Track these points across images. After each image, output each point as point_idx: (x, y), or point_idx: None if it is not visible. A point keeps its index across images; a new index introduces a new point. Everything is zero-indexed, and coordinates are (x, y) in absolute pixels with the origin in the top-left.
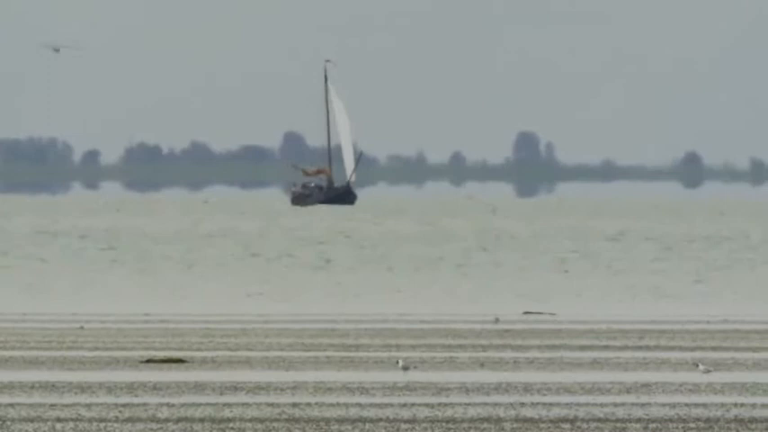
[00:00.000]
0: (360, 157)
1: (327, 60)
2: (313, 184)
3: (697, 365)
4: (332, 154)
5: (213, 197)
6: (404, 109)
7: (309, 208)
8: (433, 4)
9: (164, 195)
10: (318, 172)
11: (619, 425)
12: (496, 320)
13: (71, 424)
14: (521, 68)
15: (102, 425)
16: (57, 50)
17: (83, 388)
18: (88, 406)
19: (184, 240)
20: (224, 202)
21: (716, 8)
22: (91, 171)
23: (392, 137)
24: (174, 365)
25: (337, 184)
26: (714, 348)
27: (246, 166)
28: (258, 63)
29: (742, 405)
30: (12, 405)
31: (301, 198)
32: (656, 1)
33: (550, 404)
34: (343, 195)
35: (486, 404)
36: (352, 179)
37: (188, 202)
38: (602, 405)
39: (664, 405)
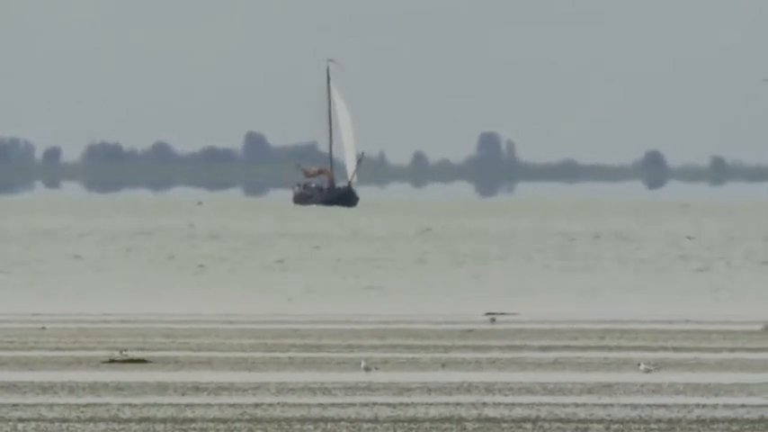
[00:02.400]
0: (361, 158)
1: (330, 60)
2: (314, 185)
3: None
4: (331, 154)
5: (205, 200)
6: (365, 109)
7: (307, 208)
8: (393, 5)
9: (126, 195)
10: (319, 172)
11: (581, 425)
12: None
13: (33, 424)
14: (483, 68)
15: (64, 425)
16: None
17: (44, 388)
18: (50, 406)
19: (153, 240)
20: (220, 204)
21: (676, 12)
22: (52, 170)
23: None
24: (136, 366)
25: (338, 184)
26: (676, 349)
27: (209, 167)
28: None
29: (704, 406)
30: None
31: (303, 199)
32: (619, 4)
33: (512, 404)
34: (345, 196)
35: (448, 404)
36: (354, 180)
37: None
38: (564, 405)
39: (625, 406)
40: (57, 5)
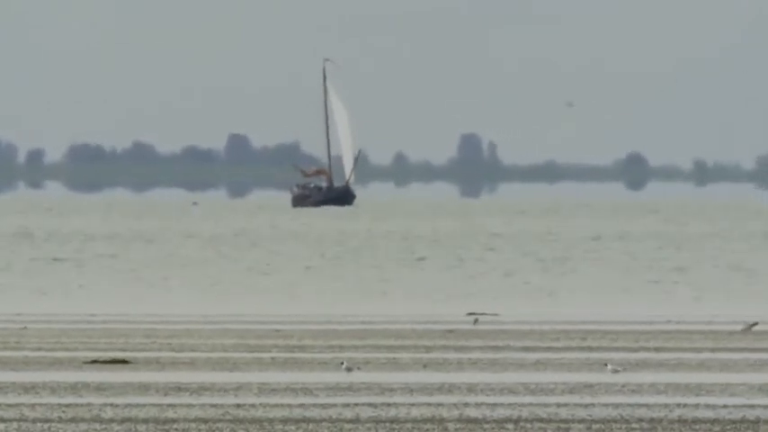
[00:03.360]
0: (359, 157)
1: (327, 59)
2: (312, 185)
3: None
4: (329, 154)
5: (201, 200)
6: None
7: (306, 209)
8: (374, 6)
9: (107, 195)
10: (317, 172)
11: (562, 425)
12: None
13: (15, 424)
14: (464, 69)
15: (46, 425)
16: None
17: (26, 388)
18: (32, 406)
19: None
20: (212, 205)
21: (663, 12)
22: (35, 171)
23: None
24: (118, 366)
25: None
26: (657, 349)
27: (190, 168)
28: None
29: (685, 406)
30: None
31: (301, 199)
32: (601, 4)
33: (494, 404)
34: (342, 196)
35: (429, 404)
36: (351, 179)
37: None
38: (545, 405)
39: (607, 405)
40: (39, 6)
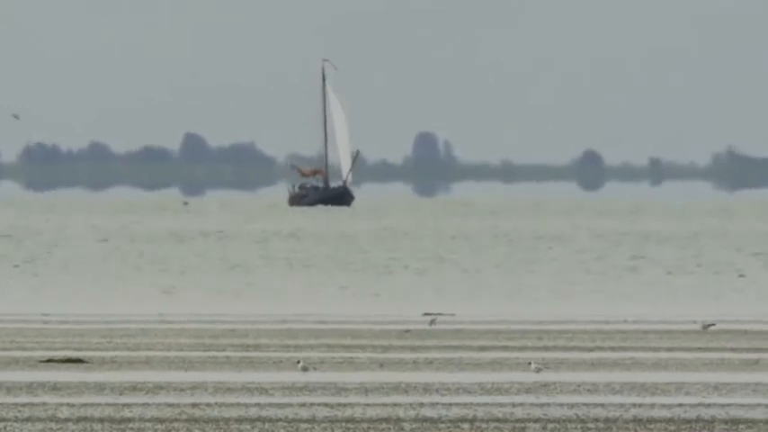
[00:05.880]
0: (356, 157)
1: (325, 60)
2: (309, 185)
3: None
4: (327, 153)
5: (190, 200)
6: (301, 108)
7: (303, 208)
8: (325, 4)
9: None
10: (314, 172)
11: (518, 425)
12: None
13: None
14: (419, 68)
15: (1, 425)
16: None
17: None
18: None
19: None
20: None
21: (616, 10)
22: None
23: (290, 136)
24: (73, 365)
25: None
26: (613, 348)
27: (146, 167)
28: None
29: (641, 405)
30: None
31: (298, 198)
32: (561, 3)
33: (450, 404)
34: (340, 196)
35: (385, 404)
36: (348, 179)
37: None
38: (501, 405)
39: (562, 405)
40: None
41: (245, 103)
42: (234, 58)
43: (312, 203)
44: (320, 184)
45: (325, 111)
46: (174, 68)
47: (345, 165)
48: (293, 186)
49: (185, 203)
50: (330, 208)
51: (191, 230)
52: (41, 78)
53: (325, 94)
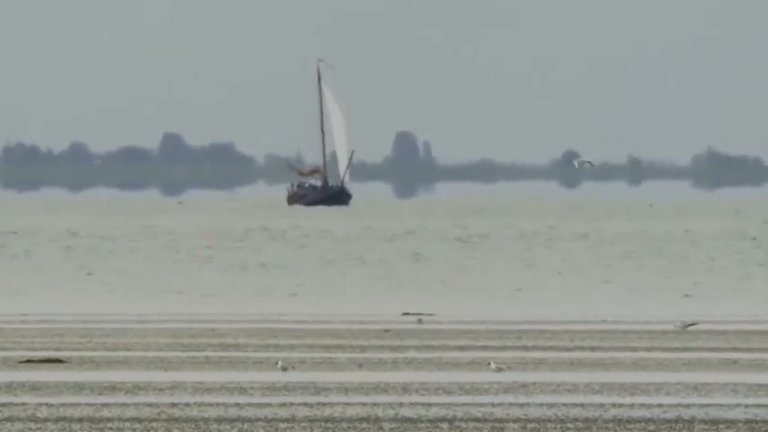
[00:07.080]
0: (352, 156)
1: (321, 60)
2: (308, 184)
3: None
4: (324, 153)
5: (185, 199)
6: (281, 107)
7: (300, 207)
8: (308, 5)
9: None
10: (313, 172)
11: (497, 425)
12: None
13: None
14: (399, 68)
15: None
16: None
17: None
18: None
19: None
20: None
21: (597, 12)
22: None
23: (269, 136)
24: (52, 365)
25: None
26: (593, 348)
27: (125, 168)
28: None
29: (620, 405)
30: None
31: (296, 198)
32: (543, 4)
33: (429, 404)
34: (338, 195)
35: (364, 404)
36: (346, 178)
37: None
38: (480, 405)
39: (542, 405)
40: None
41: (246, 104)
42: (234, 58)
43: (311, 203)
44: (318, 184)
45: (321, 111)
46: (174, 68)
47: (343, 164)
48: (292, 185)
49: (180, 203)
50: (326, 207)
51: (188, 229)
52: (32, 78)
53: (321, 94)
